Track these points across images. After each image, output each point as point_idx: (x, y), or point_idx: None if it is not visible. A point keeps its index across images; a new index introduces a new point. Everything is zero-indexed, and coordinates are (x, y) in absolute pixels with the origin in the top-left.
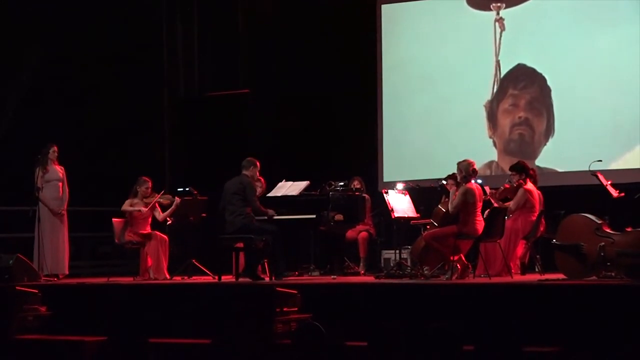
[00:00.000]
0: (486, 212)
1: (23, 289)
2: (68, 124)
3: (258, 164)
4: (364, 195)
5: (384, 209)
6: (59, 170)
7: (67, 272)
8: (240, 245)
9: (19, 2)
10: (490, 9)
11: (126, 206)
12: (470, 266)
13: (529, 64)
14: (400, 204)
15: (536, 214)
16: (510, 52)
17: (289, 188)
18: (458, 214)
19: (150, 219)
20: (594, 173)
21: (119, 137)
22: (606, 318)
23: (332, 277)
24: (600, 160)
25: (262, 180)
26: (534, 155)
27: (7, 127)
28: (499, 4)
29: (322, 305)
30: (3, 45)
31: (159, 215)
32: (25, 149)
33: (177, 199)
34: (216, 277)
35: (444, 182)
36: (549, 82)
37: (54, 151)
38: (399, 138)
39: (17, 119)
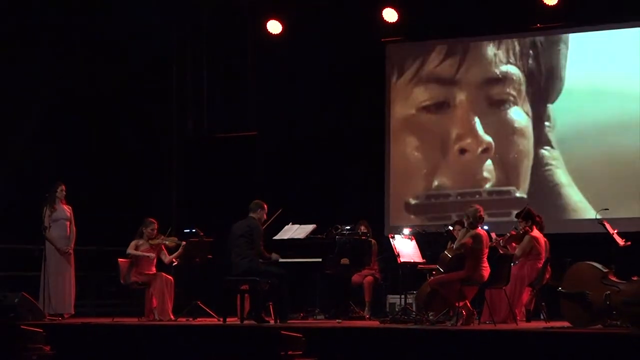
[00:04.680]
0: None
1: (27, 327)
2: (76, 162)
3: (265, 206)
4: (370, 239)
5: (390, 254)
6: (66, 210)
7: (73, 311)
8: (246, 287)
9: (30, 38)
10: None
11: (131, 249)
12: (475, 312)
13: None
14: (406, 249)
15: (542, 261)
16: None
17: (295, 231)
18: (463, 260)
19: (155, 260)
20: (600, 221)
21: (126, 176)
22: None
23: (337, 321)
24: (607, 209)
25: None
26: None
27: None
28: None
29: (327, 349)
30: (13, 84)
31: (166, 257)
32: (33, 187)
33: (183, 242)
34: (221, 319)
35: (451, 227)
36: None
37: (61, 190)
38: (406, 182)
39: (25, 157)
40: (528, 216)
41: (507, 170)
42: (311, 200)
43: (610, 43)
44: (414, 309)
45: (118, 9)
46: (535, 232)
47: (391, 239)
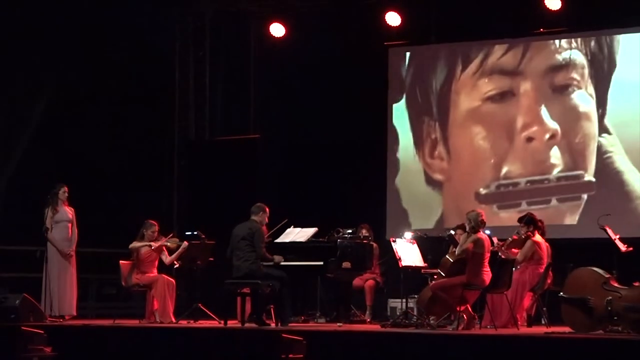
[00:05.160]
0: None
1: (29, 329)
2: (77, 164)
3: (267, 209)
4: (371, 243)
5: (392, 258)
6: (68, 211)
7: (75, 313)
8: (247, 290)
9: (31, 39)
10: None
11: (134, 244)
12: (476, 317)
13: None
14: (408, 253)
15: (544, 266)
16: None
17: (297, 234)
18: (465, 264)
19: (157, 262)
20: (602, 226)
21: (128, 178)
22: None
23: (338, 324)
24: (609, 215)
25: (265, 229)
26: None
27: (16, 166)
28: None
29: (328, 352)
30: (13, 85)
31: (166, 258)
32: (35, 189)
33: (185, 243)
34: (222, 322)
35: (452, 232)
36: None
37: (64, 192)
38: (474, 173)
39: (27, 158)
40: (530, 221)
41: (574, 155)
42: (313, 204)
43: None
44: (415, 313)
45: (120, 11)
46: (537, 237)
47: (393, 243)
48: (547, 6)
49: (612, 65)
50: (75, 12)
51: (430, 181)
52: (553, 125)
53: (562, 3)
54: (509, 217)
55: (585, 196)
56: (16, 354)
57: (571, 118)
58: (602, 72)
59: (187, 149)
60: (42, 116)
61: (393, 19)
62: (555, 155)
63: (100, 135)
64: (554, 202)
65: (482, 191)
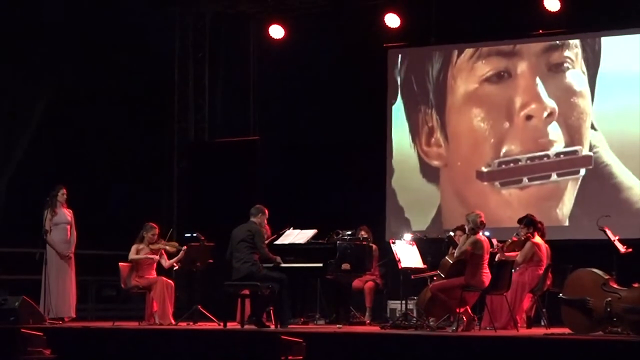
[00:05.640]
0: (497, 256)
1: (28, 331)
2: (77, 166)
3: (266, 211)
4: (371, 244)
5: (391, 259)
6: (67, 213)
7: (74, 315)
8: (246, 292)
9: (31, 39)
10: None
11: (132, 254)
12: (476, 318)
13: None
14: (407, 254)
15: (543, 268)
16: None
17: (296, 236)
18: (464, 266)
19: (155, 264)
20: (601, 228)
21: (127, 180)
22: None
23: (338, 326)
24: (609, 216)
25: (268, 228)
26: None
27: (16, 167)
28: None
29: (327, 354)
30: (14, 87)
31: (165, 262)
32: (34, 191)
33: (184, 247)
34: (221, 324)
35: (452, 233)
36: None
37: (63, 194)
38: (475, 153)
39: (26, 160)
40: (530, 223)
41: (571, 132)
42: (312, 205)
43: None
44: (414, 314)
45: (120, 13)
46: (537, 239)
47: (392, 244)
48: (546, 7)
49: (596, 64)
50: (75, 12)
51: (426, 172)
52: (551, 103)
53: (561, 4)
54: (509, 193)
55: (583, 170)
56: (16, 356)
57: (567, 96)
58: (591, 59)
59: (186, 150)
60: (42, 117)
61: (392, 20)
62: (554, 132)
63: (99, 136)
64: (554, 177)
65: (484, 169)
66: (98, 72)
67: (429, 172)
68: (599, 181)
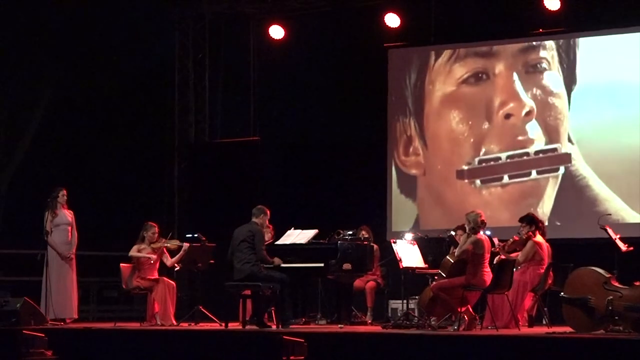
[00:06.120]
0: (496, 258)
1: (29, 332)
2: (77, 167)
3: (268, 212)
4: (372, 244)
5: (392, 259)
6: (68, 215)
7: (76, 316)
8: (248, 292)
9: (30, 41)
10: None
11: (133, 252)
12: (477, 318)
13: None
14: (408, 254)
15: (544, 267)
16: None
17: (297, 236)
18: (466, 265)
19: (157, 265)
20: (602, 226)
21: (128, 181)
22: None
23: (339, 326)
24: (610, 215)
25: (271, 228)
26: None
27: (17, 169)
28: None
29: (329, 354)
30: (15, 89)
31: (168, 260)
32: (34, 193)
33: (186, 244)
34: (223, 324)
35: (453, 232)
36: None
37: (63, 195)
38: (455, 153)
39: (27, 162)
40: (531, 221)
41: (549, 131)
42: (313, 206)
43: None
44: (416, 314)
45: (120, 14)
46: (538, 238)
47: (393, 244)
48: (546, 7)
49: (572, 79)
50: (75, 14)
51: (403, 186)
52: (529, 102)
53: (561, 3)
54: (489, 193)
55: (562, 168)
56: (17, 357)
57: (544, 95)
58: (567, 67)
59: (187, 151)
60: (43, 118)
61: (392, 20)
62: (533, 131)
63: (100, 138)
64: (534, 174)
65: (465, 167)
66: (98, 73)
67: (406, 185)
68: (576, 180)
